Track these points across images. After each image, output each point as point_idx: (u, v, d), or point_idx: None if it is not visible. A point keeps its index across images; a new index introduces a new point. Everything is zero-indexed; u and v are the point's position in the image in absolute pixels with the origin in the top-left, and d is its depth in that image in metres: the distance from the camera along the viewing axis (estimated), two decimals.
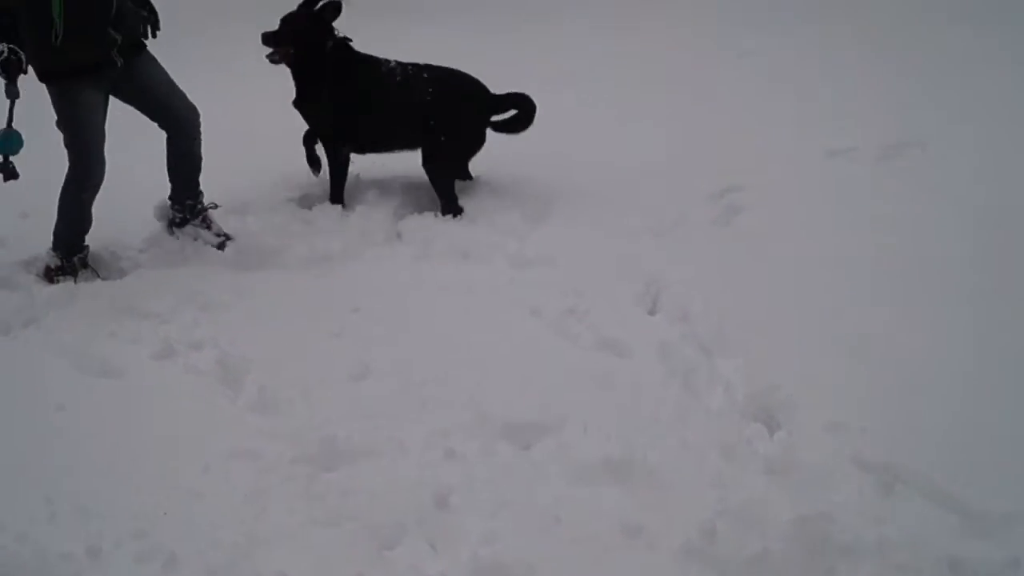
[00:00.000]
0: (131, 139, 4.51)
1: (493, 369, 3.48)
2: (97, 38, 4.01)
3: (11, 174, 4.05)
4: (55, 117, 4.15)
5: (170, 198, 4.57)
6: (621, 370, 3.50)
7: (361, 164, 5.09)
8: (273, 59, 4.77)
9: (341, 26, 4.80)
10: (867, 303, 3.80)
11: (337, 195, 4.90)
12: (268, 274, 4.26)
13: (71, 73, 4.04)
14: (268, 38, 4.74)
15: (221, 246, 4.47)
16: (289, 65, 4.80)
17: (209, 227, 4.56)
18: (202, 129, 4.44)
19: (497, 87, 4.94)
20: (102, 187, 4.28)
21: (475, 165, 5.11)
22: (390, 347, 3.65)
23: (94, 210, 4.34)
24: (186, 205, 4.54)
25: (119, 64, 4.11)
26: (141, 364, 3.62)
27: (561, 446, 3.08)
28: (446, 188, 4.81)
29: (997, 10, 8.40)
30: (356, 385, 3.45)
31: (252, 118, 5.93)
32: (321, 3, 4.71)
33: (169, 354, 3.67)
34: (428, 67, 4.90)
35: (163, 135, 4.41)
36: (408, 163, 4.98)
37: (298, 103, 4.88)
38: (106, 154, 4.25)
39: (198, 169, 4.52)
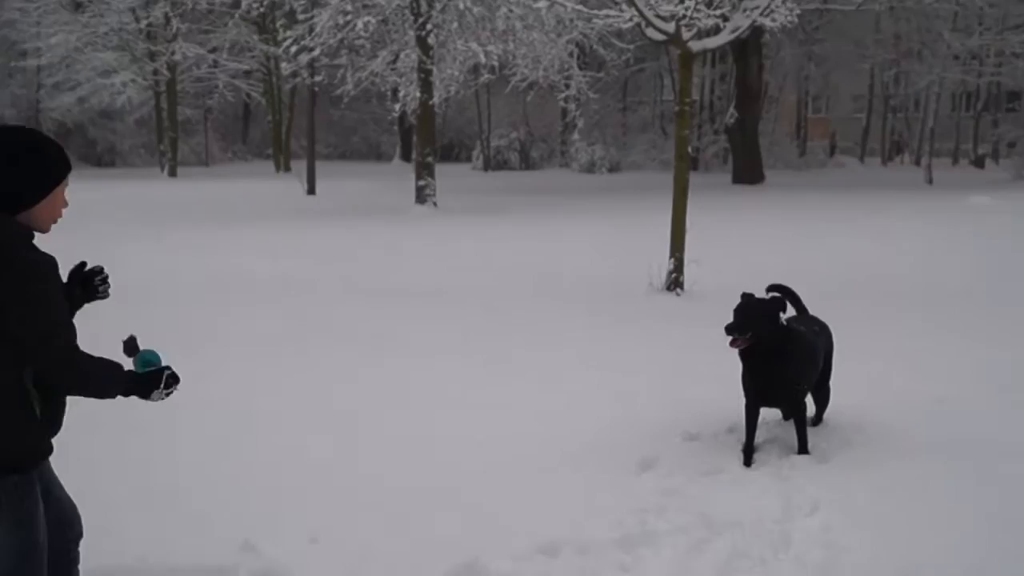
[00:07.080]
0: None
1: None
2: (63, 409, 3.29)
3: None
4: None
5: None
6: None
7: None
8: (735, 345, 5.32)
9: None
10: None
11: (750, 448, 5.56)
12: None
13: (43, 456, 3.23)
14: (732, 328, 5.29)
15: None
16: (745, 348, 5.34)
17: None
18: None
19: None
20: None
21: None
22: None
23: None
24: None
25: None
26: None
27: None
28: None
29: None
30: None
31: None
32: (772, 297, 5.54)
33: None
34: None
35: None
36: None
37: (750, 380, 5.49)
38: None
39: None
